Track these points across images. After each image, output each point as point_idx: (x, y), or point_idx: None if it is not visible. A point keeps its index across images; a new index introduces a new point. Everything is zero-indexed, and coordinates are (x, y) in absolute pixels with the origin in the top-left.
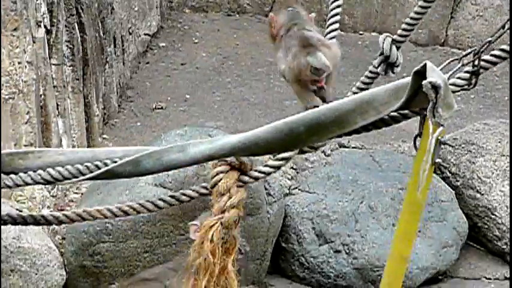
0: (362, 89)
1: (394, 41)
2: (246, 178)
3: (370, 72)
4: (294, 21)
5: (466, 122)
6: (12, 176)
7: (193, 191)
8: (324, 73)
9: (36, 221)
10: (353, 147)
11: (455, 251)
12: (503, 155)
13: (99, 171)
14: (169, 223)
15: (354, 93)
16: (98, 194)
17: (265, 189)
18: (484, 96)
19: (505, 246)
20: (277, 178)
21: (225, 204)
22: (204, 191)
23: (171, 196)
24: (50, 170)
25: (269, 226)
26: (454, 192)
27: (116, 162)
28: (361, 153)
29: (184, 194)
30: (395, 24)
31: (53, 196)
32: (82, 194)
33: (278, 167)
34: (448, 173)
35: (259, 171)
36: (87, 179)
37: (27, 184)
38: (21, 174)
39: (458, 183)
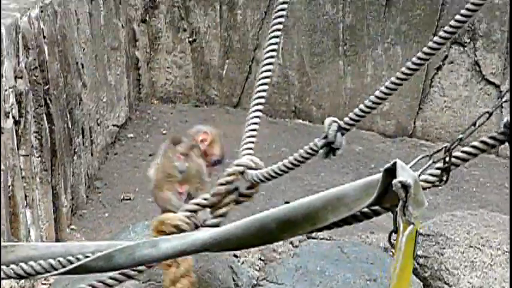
0: (299, 162)
1: (340, 128)
2: None
3: (311, 149)
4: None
5: (434, 213)
6: None
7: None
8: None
9: None
10: (321, 239)
11: None
12: (471, 247)
13: (71, 266)
14: None
15: (289, 162)
16: (66, 285)
17: (233, 280)
18: (453, 188)
19: None
20: (245, 269)
21: (174, 275)
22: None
23: (121, 273)
24: (22, 264)
25: None
26: (422, 283)
27: (88, 257)
28: (330, 244)
29: (136, 270)
30: None
31: (21, 287)
32: (50, 284)
33: (216, 225)
34: (416, 264)
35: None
36: (60, 273)
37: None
38: None
39: (426, 275)
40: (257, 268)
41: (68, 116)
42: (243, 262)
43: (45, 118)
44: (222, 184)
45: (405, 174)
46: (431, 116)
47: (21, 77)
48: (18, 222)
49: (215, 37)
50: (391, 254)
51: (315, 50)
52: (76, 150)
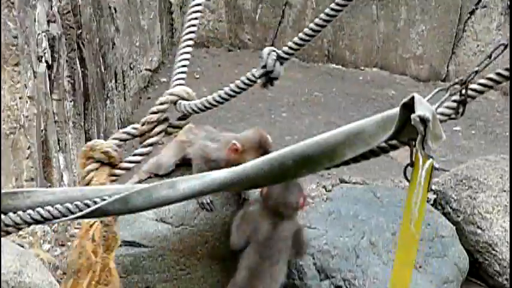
0: (235, 92)
1: (279, 57)
2: (118, 171)
3: (248, 79)
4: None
5: (467, 157)
6: (2, 216)
7: None
8: None
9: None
10: (354, 183)
11: (456, 286)
12: (504, 191)
13: (88, 210)
14: (170, 258)
15: (225, 93)
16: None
17: None
18: (485, 132)
19: (505, 282)
20: None
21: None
22: None
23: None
24: (39, 209)
25: None
26: (455, 227)
27: (105, 200)
28: (362, 188)
29: None
30: (397, 59)
31: (54, 231)
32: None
33: (147, 154)
34: (449, 208)
35: (129, 161)
36: (77, 217)
37: (17, 224)
38: (10, 214)
39: (459, 219)
40: None
41: (101, 60)
42: None
43: (78, 62)
44: (153, 113)
45: (423, 108)
46: (465, 61)
47: (54, 21)
48: (51, 166)
49: None
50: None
51: None
52: (109, 95)
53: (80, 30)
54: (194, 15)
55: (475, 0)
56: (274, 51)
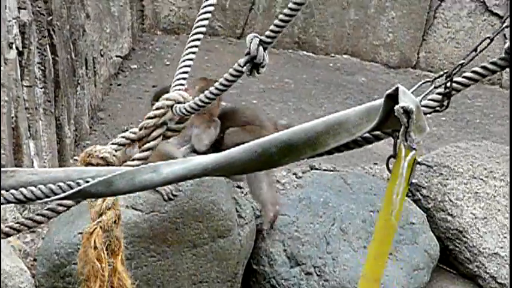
0: (225, 86)
1: (261, 42)
2: None
3: (235, 70)
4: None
5: (437, 144)
6: None
7: None
8: None
9: None
10: (324, 170)
11: (427, 273)
12: (475, 178)
13: (71, 191)
14: (140, 245)
15: (216, 88)
16: (70, 216)
17: (237, 211)
18: (456, 119)
19: (476, 269)
20: (248, 200)
21: (100, 207)
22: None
23: (49, 209)
24: (22, 189)
25: (240, 248)
26: (425, 214)
27: (88, 182)
28: (333, 175)
29: (61, 205)
30: (367, 46)
31: (24, 218)
32: None
33: (145, 158)
34: (419, 195)
35: (128, 166)
36: (60, 198)
37: None
38: None
39: (430, 206)
40: None
41: (72, 47)
42: (246, 193)
43: (48, 49)
44: (150, 118)
45: (407, 99)
46: (435, 47)
47: (24, 8)
48: (22, 153)
49: None
50: (387, 179)
51: None
52: (79, 81)
53: (51, 17)
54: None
55: None
56: (256, 37)
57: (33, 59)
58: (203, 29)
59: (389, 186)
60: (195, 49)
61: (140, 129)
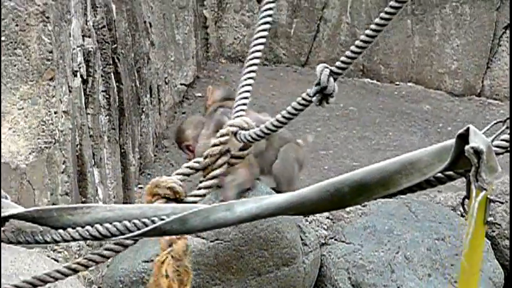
0: (292, 115)
1: (332, 73)
2: None
3: (303, 99)
4: (224, 101)
5: (501, 172)
6: (61, 231)
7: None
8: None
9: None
10: (389, 198)
11: None
12: None
13: (146, 229)
14: (205, 273)
15: (282, 116)
16: (134, 245)
17: (301, 239)
18: None
19: None
20: (313, 228)
21: (170, 236)
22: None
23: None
24: (98, 226)
25: (305, 276)
26: (489, 242)
27: (163, 219)
28: (397, 203)
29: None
30: (432, 74)
31: (88, 245)
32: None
33: (211, 187)
34: None
35: (195, 195)
36: (134, 236)
37: (74, 240)
38: (69, 229)
39: (495, 234)
40: (325, 227)
41: (136, 74)
42: (310, 221)
43: (113, 77)
44: (215, 145)
45: (478, 139)
46: (500, 75)
47: (89, 36)
48: (86, 181)
49: None
50: (459, 213)
51: (383, 8)
52: (144, 109)
53: (115, 45)
54: (258, 47)
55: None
56: (326, 67)
57: (98, 87)
58: (259, 54)
59: (467, 228)
60: (253, 74)
61: (205, 158)
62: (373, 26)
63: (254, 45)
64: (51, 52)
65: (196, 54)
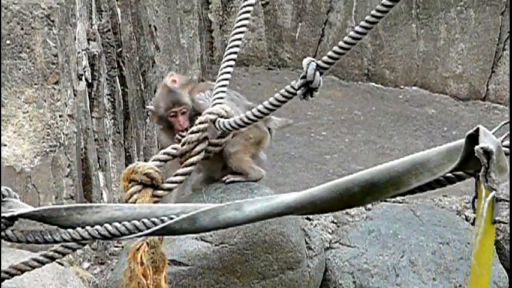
0: (274, 106)
1: (318, 67)
2: (160, 192)
3: (287, 91)
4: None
5: (506, 175)
6: (70, 230)
7: None
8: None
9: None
10: (393, 202)
11: None
12: None
13: (155, 228)
14: (210, 276)
15: (264, 107)
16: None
17: (306, 243)
18: None
19: None
20: (317, 232)
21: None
22: None
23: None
24: (107, 225)
25: (309, 280)
26: (494, 246)
27: (172, 218)
28: (402, 207)
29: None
30: (436, 78)
31: (93, 249)
32: (122, 247)
33: (188, 173)
34: None
35: (171, 182)
36: (144, 235)
37: (84, 239)
38: (78, 229)
39: (499, 238)
40: (330, 231)
41: (141, 78)
42: (315, 225)
43: (118, 81)
44: (193, 132)
45: (487, 140)
46: (505, 79)
47: (94, 40)
48: (91, 184)
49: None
50: (464, 217)
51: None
52: (149, 113)
53: (120, 49)
54: (237, 35)
55: None
56: (313, 61)
57: (103, 90)
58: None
59: (476, 228)
60: (232, 62)
61: (183, 145)
62: (363, 23)
63: (235, 33)
64: (56, 56)
65: (201, 58)
